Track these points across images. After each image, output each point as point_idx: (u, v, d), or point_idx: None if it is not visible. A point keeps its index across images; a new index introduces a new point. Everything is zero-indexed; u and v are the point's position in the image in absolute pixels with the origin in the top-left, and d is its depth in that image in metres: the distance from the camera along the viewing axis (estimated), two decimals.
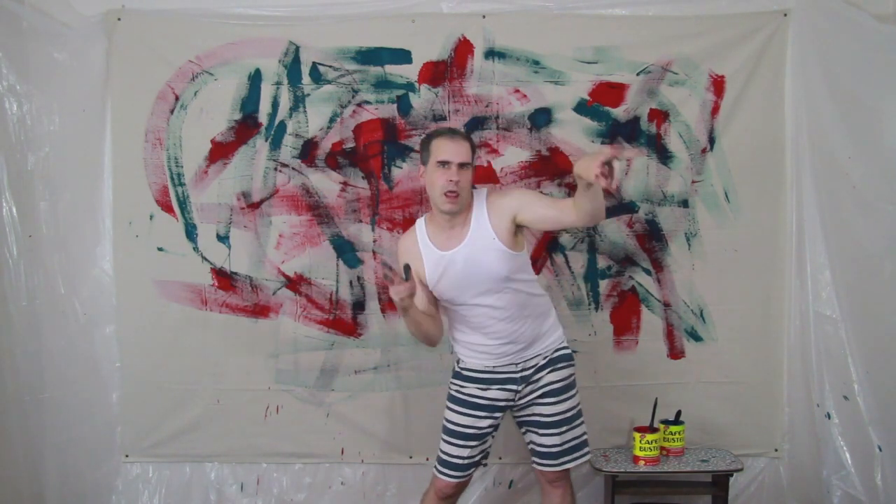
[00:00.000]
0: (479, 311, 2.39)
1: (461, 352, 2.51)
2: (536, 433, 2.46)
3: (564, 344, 2.51)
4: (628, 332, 3.03)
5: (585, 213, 2.26)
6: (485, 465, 2.59)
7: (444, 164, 2.33)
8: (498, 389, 2.44)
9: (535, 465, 2.51)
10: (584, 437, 2.49)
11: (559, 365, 2.46)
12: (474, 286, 2.36)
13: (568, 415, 2.45)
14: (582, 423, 2.49)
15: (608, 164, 2.01)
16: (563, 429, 2.44)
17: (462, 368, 2.50)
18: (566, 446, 2.44)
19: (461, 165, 2.33)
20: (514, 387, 2.44)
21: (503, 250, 2.35)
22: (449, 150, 2.33)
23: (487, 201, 2.41)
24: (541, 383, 2.44)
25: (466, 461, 2.47)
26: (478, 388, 2.45)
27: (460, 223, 2.38)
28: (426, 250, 2.42)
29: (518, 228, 2.39)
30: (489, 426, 2.47)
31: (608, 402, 3.03)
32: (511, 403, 2.47)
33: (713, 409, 3.03)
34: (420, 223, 2.49)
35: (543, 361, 2.45)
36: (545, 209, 2.36)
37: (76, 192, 2.97)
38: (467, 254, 2.35)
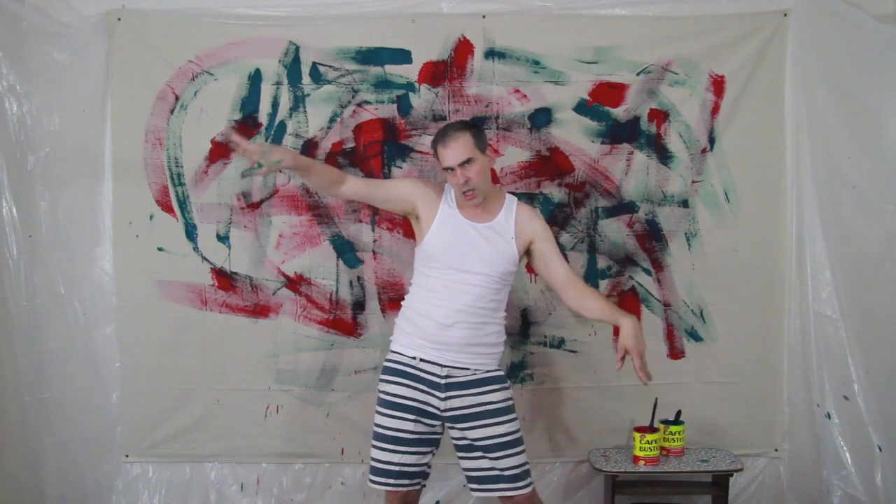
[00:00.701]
0: (449, 281, 2.37)
1: (400, 325, 2.47)
2: (472, 458, 2.38)
3: (498, 367, 2.45)
4: None
5: (579, 308, 2.45)
6: (423, 486, 2.46)
7: (448, 169, 2.39)
8: (420, 391, 2.37)
9: (473, 491, 2.42)
10: (527, 466, 2.39)
11: (494, 386, 2.39)
12: (470, 259, 2.38)
13: (507, 439, 2.36)
14: (524, 451, 2.40)
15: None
16: (502, 453, 2.35)
17: (388, 361, 2.45)
18: (508, 473, 2.35)
19: (463, 164, 2.35)
20: (437, 392, 2.36)
21: (512, 251, 2.42)
22: (446, 157, 2.37)
23: (518, 207, 2.49)
24: (474, 401, 2.37)
25: (397, 468, 2.36)
26: (400, 387, 2.38)
27: (486, 207, 2.44)
28: (447, 209, 2.44)
29: (526, 252, 2.49)
30: (418, 432, 2.37)
31: (608, 402, 3.03)
32: (437, 412, 2.37)
33: (713, 409, 3.03)
34: (450, 188, 2.49)
35: (472, 378, 2.38)
36: (558, 257, 2.47)
37: (76, 192, 2.97)
38: (485, 232, 2.41)
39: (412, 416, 2.37)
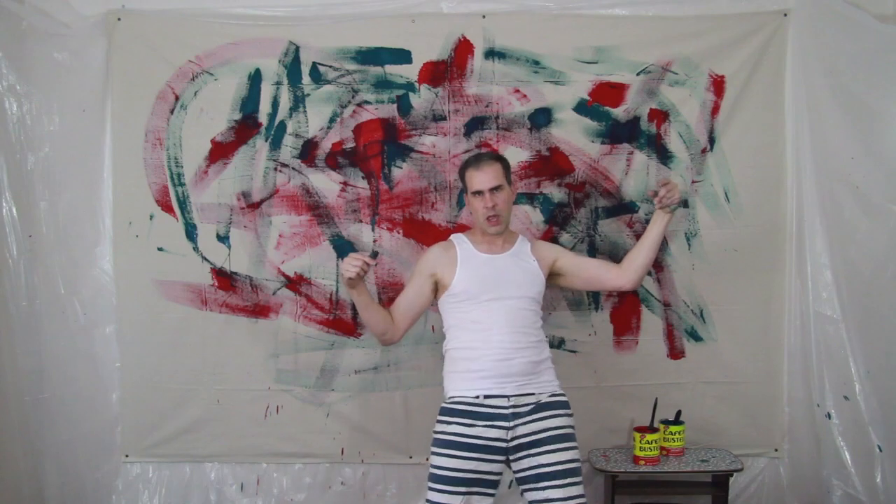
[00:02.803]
0: (492, 310, 2.37)
1: (451, 370, 2.41)
2: (538, 488, 2.27)
3: (560, 390, 2.41)
4: (628, 332, 3.03)
5: (633, 268, 2.47)
6: None
7: (477, 193, 2.42)
8: (484, 426, 2.30)
9: None
10: (585, 499, 2.30)
11: (559, 411, 2.35)
12: (503, 284, 2.40)
13: (571, 466, 2.28)
14: (582, 482, 2.31)
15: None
16: (567, 480, 2.26)
17: (448, 403, 2.38)
18: (577, 501, 2.25)
19: (493, 189, 2.41)
20: (503, 423, 2.30)
21: (538, 271, 2.47)
22: (477, 180, 2.43)
23: (532, 241, 2.58)
24: (539, 427, 2.31)
25: None
26: (462, 426, 2.31)
27: (502, 241, 2.50)
28: (464, 249, 2.48)
29: (549, 277, 2.52)
30: (481, 472, 2.29)
31: (608, 402, 3.04)
32: (503, 444, 2.30)
33: (713, 409, 3.03)
34: (458, 236, 2.54)
35: (536, 402, 2.34)
36: (587, 260, 2.60)
37: (76, 192, 2.97)
38: (507, 259, 2.46)
39: (472, 454, 2.29)
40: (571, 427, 2.37)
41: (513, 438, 2.31)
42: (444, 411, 2.38)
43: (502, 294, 2.39)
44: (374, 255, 2.37)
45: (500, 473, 2.35)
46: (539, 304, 2.47)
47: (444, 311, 2.49)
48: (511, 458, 2.33)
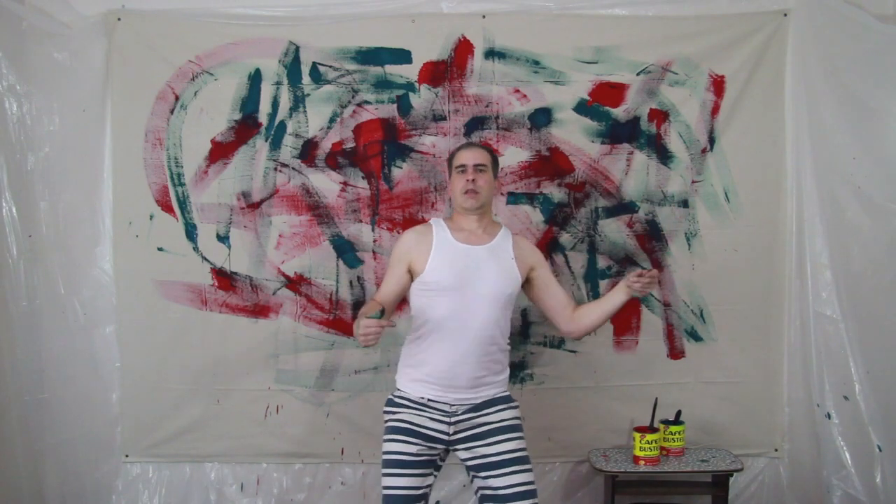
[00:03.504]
0: (455, 310, 2.33)
1: (405, 364, 2.44)
2: (483, 476, 2.33)
3: (505, 390, 2.43)
4: (628, 332, 3.03)
5: (583, 327, 2.45)
6: None
7: (461, 168, 2.42)
8: (428, 418, 2.35)
9: None
10: (535, 486, 2.33)
11: (503, 405, 2.39)
12: (474, 280, 2.34)
13: (519, 454, 2.33)
14: (531, 470, 2.34)
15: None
16: (512, 469, 2.30)
17: (394, 396, 2.43)
18: (520, 489, 2.29)
19: (477, 167, 2.41)
20: (444, 419, 2.35)
21: (514, 270, 2.42)
22: (464, 156, 2.44)
23: (514, 236, 2.51)
24: (482, 420, 2.35)
25: (407, 492, 2.31)
26: (408, 413, 2.37)
27: (482, 231, 2.44)
28: (442, 235, 2.42)
29: (525, 282, 2.48)
30: (423, 455, 2.33)
31: (608, 402, 3.04)
32: (446, 437, 2.35)
33: (713, 409, 3.04)
34: (438, 220, 2.49)
35: (479, 402, 2.37)
36: (555, 288, 2.50)
37: (76, 192, 2.97)
38: (484, 253, 2.40)
39: (415, 440, 2.34)
40: (517, 418, 2.41)
41: (455, 432, 2.36)
42: (391, 403, 2.43)
43: (474, 290, 2.35)
44: (380, 314, 2.28)
45: (443, 458, 2.42)
46: (509, 308, 2.43)
47: (412, 295, 2.44)
48: (453, 448, 2.39)
